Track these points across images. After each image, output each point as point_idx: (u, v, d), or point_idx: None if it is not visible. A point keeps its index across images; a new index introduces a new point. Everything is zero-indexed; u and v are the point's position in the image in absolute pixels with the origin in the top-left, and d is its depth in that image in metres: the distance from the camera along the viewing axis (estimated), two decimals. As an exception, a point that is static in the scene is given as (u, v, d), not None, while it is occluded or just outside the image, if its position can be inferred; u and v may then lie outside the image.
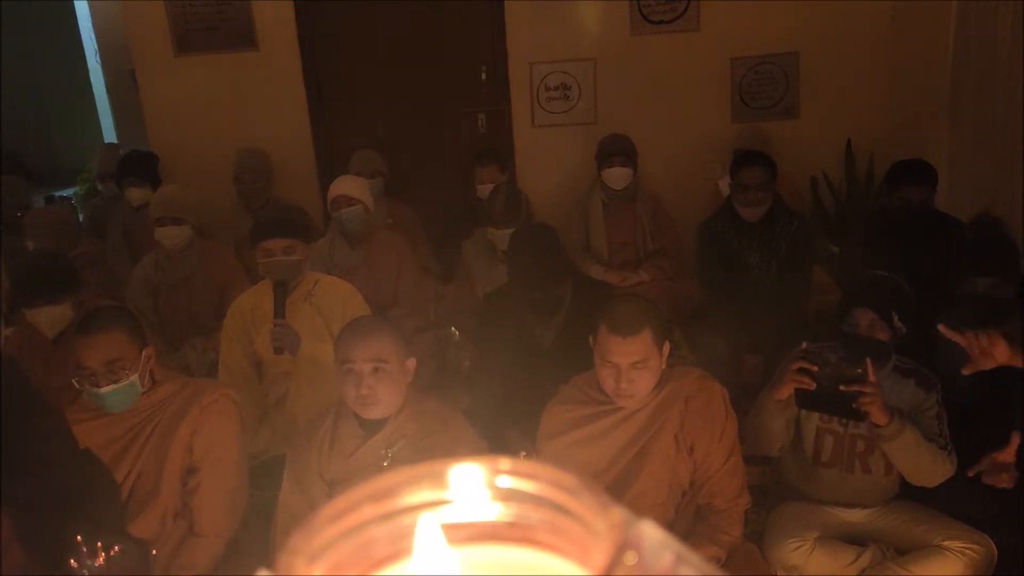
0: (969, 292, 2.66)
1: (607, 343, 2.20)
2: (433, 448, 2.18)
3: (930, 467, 2.39)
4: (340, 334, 2.24)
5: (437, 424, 2.25)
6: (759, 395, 2.56)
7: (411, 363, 2.21)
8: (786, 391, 2.40)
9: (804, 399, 2.41)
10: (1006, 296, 2.63)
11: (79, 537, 1.64)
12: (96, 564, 1.65)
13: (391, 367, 2.14)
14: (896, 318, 2.50)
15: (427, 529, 0.34)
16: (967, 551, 2.34)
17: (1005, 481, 2.27)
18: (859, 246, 3.62)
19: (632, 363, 2.19)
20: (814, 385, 2.34)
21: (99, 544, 1.66)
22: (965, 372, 2.24)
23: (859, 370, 2.31)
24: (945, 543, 2.36)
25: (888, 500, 2.57)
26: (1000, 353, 2.22)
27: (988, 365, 2.25)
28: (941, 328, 2.24)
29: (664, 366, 2.27)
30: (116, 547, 1.68)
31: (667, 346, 2.27)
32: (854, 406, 2.32)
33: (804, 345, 2.40)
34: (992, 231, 3.04)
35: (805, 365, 2.34)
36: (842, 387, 2.30)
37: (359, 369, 2.12)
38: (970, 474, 2.28)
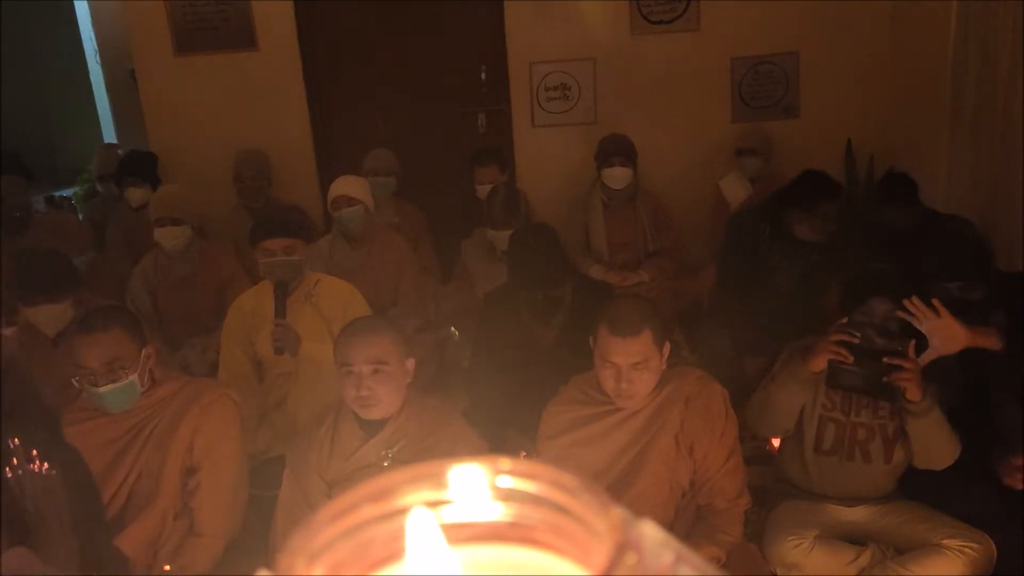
0: (939, 296, 2.68)
1: (607, 344, 2.20)
2: (433, 448, 2.18)
3: (945, 447, 2.46)
4: (340, 335, 2.24)
5: (437, 424, 2.25)
6: (774, 372, 2.59)
7: (410, 363, 2.21)
8: (822, 362, 2.45)
9: (834, 378, 2.48)
10: (976, 299, 2.64)
11: (15, 440, 1.56)
12: (32, 470, 1.58)
13: (391, 368, 2.14)
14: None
15: (422, 525, 0.34)
16: (966, 549, 2.34)
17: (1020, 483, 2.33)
18: (858, 249, 3.62)
19: (632, 363, 2.19)
20: (852, 358, 2.40)
21: (35, 452, 1.60)
22: (924, 360, 2.39)
23: (899, 347, 2.39)
24: (944, 541, 2.37)
25: (886, 495, 2.59)
26: (957, 334, 2.35)
27: (951, 348, 2.37)
28: (909, 304, 2.34)
29: (664, 366, 2.28)
30: (54, 469, 1.62)
31: (667, 347, 2.27)
32: (885, 380, 2.39)
33: (844, 320, 2.45)
34: (961, 234, 3.05)
35: (846, 337, 2.40)
36: (885, 359, 2.38)
37: (359, 370, 2.12)
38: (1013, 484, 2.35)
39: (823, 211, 3.50)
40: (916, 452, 2.50)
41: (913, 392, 2.39)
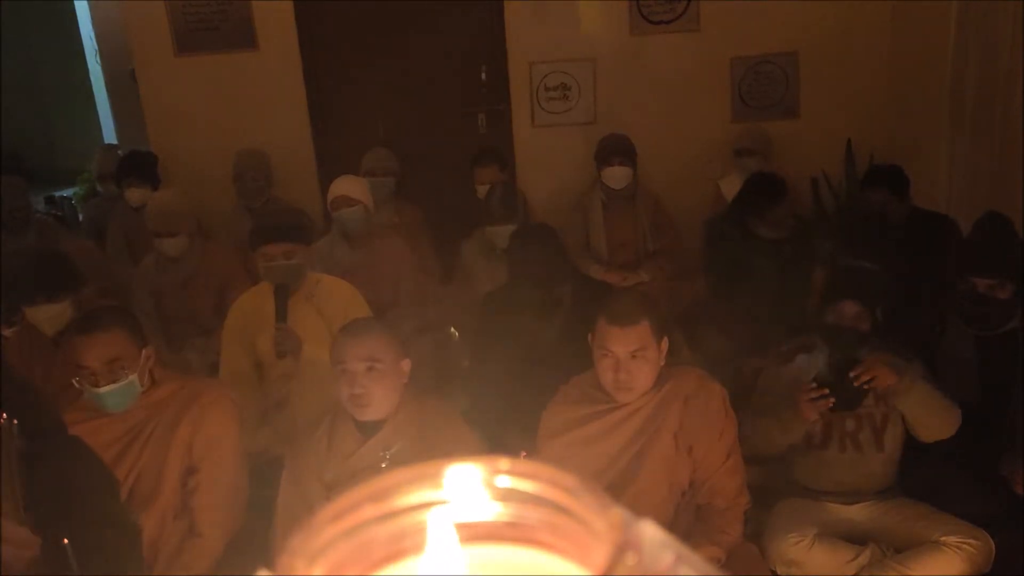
0: (967, 292, 2.66)
1: (606, 334, 2.21)
2: (432, 448, 2.18)
3: (943, 416, 2.47)
4: (336, 336, 2.25)
5: (436, 425, 2.25)
6: (757, 415, 2.60)
7: (406, 364, 2.21)
8: (813, 413, 2.45)
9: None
10: (1004, 298, 2.63)
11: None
12: None
13: (384, 366, 2.14)
14: (878, 311, 2.54)
15: (439, 527, 0.34)
16: (964, 546, 2.35)
17: None
18: (848, 243, 3.66)
19: (631, 352, 2.19)
20: (832, 402, 2.42)
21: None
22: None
23: (854, 357, 2.44)
24: (943, 539, 2.37)
25: (884, 489, 2.60)
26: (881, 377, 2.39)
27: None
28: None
29: (663, 363, 2.28)
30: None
31: (665, 342, 2.27)
32: (859, 387, 2.43)
33: (814, 383, 2.45)
34: (994, 232, 3.04)
35: (816, 394, 2.42)
36: (854, 381, 2.41)
37: (352, 368, 2.12)
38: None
39: (773, 212, 3.59)
40: (916, 428, 2.51)
41: (886, 379, 2.41)
